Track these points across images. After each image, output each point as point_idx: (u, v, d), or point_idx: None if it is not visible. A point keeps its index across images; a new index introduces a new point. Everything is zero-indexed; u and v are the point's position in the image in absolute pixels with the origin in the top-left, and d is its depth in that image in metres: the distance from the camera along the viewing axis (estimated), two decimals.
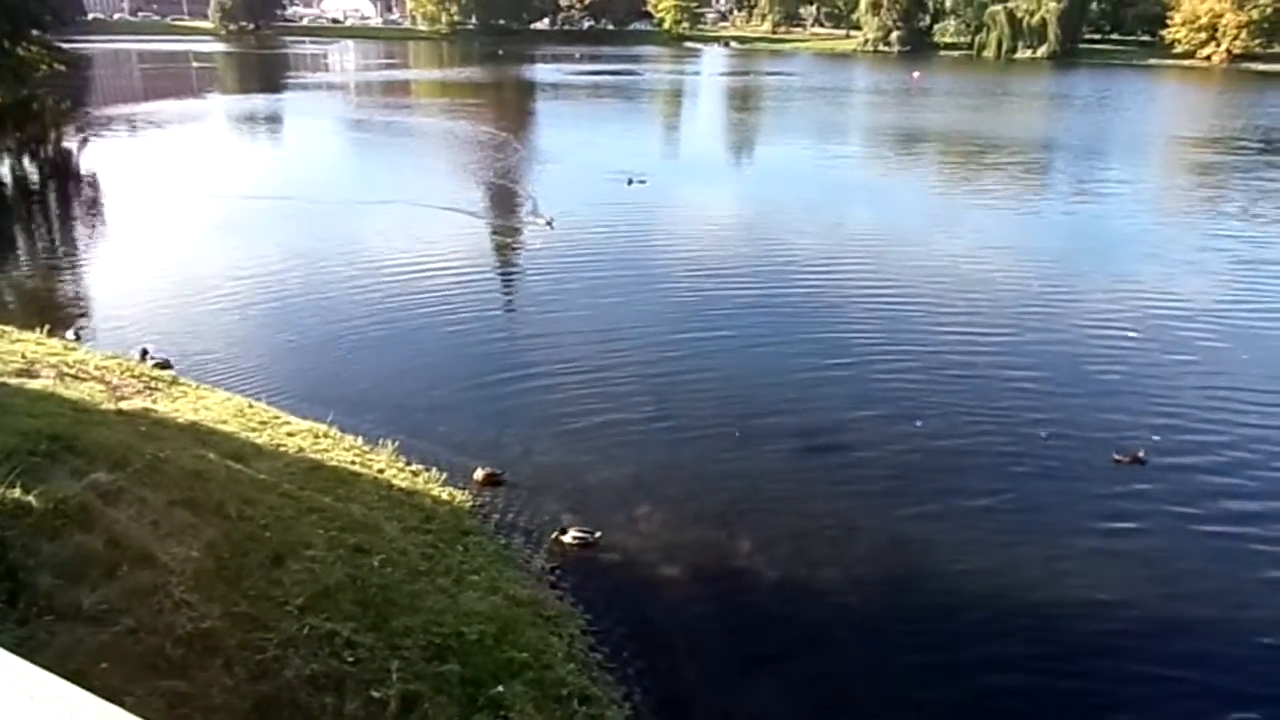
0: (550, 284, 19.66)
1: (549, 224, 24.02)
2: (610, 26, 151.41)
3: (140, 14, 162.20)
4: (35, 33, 38.57)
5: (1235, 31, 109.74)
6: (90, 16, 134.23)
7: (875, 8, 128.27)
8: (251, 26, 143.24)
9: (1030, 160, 40.22)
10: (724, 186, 33.62)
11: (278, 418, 11.84)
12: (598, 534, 9.93)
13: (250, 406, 12.11)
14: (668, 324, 16.99)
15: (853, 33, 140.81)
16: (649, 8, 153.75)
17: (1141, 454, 12.03)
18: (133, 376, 12.43)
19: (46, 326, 14.03)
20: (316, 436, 11.31)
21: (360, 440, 11.44)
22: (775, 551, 10.10)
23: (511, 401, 13.62)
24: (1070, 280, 20.70)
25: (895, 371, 15.03)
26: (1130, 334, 16.81)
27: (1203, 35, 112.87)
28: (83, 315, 17.05)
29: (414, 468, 10.97)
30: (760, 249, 23.03)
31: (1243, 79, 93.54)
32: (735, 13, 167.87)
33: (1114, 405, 13.89)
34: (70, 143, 38.58)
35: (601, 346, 15.74)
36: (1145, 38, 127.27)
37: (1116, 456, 12.03)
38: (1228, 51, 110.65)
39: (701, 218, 27.25)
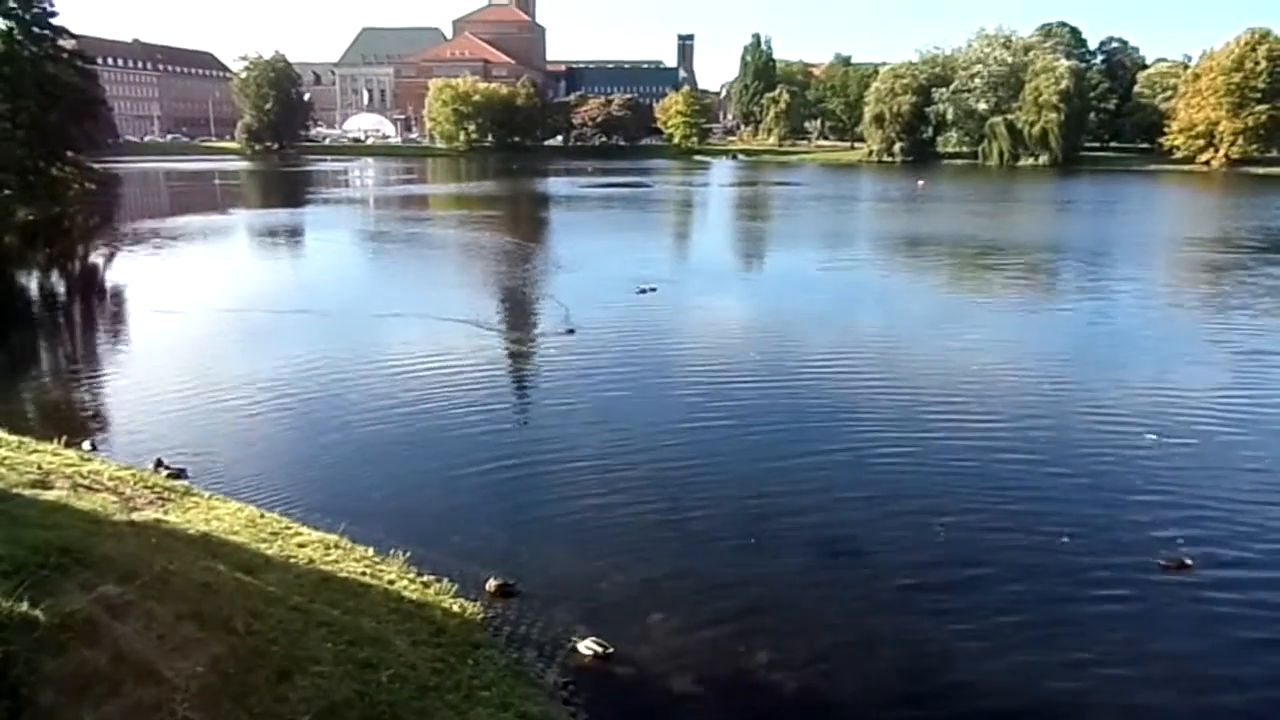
0: (562, 392, 19.74)
1: (569, 332, 24.29)
2: (622, 142, 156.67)
3: (170, 136, 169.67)
4: (69, 154, 40.10)
5: (1232, 138, 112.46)
6: (123, 139, 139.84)
7: (878, 121, 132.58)
8: (275, 146, 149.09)
9: (1039, 263, 40.73)
10: (733, 293, 34.06)
11: (289, 528, 11.75)
12: (610, 649, 9.68)
13: (262, 517, 12.04)
14: (680, 429, 16.94)
15: (857, 144, 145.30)
16: (659, 124, 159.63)
17: (1188, 561, 11.73)
18: (146, 487, 12.42)
19: (64, 437, 14.12)
20: (328, 547, 11.19)
21: (372, 551, 11.30)
22: (792, 661, 9.81)
23: (525, 510, 13.52)
24: (1084, 381, 20.63)
25: (911, 474, 14.87)
26: (1148, 435, 16.62)
27: (1200, 141, 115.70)
28: (100, 426, 17.19)
29: (425, 579, 10.80)
30: (771, 354, 23.14)
31: (1242, 182, 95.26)
32: (742, 127, 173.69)
33: (1135, 507, 13.63)
34: (97, 257, 39.57)
35: (615, 453, 15.68)
36: (1144, 145, 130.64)
37: (1162, 562, 11.75)
38: (1226, 156, 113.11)
39: (711, 323, 27.51)
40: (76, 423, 16.99)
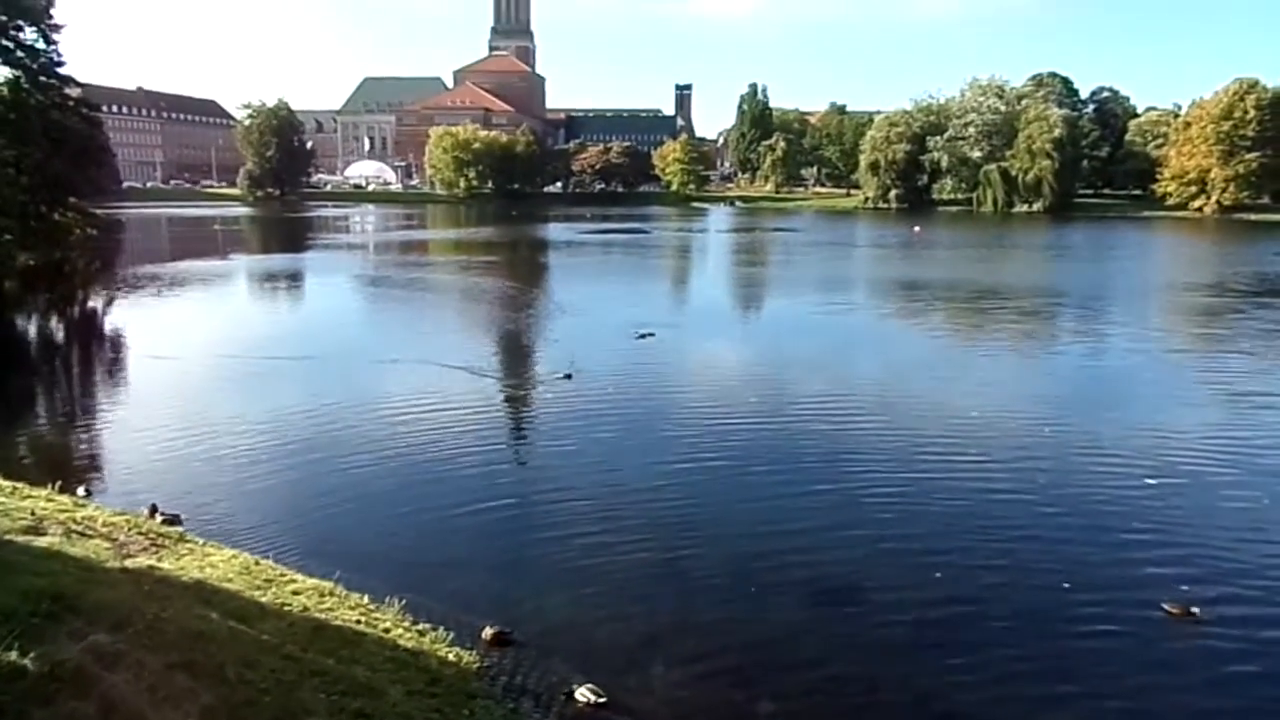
0: (560, 437, 19.67)
1: (567, 377, 24.25)
2: (620, 189, 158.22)
3: (172, 182, 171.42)
4: (72, 200, 40.56)
5: (1224, 185, 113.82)
6: (125, 185, 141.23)
7: (874, 168, 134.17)
8: (277, 192, 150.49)
9: (1035, 308, 40.90)
10: (731, 338, 34.13)
11: (283, 575, 11.63)
12: (605, 698, 9.52)
13: (256, 564, 11.92)
14: (678, 474, 16.86)
15: (853, 191, 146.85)
16: (657, 171, 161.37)
17: (1194, 609, 11.48)
18: (140, 533, 12.32)
19: (58, 482, 14.03)
20: (322, 595, 11.07)
21: (366, 598, 11.17)
22: (792, 709, 9.66)
23: (522, 556, 13.40)
24: (1082, 424, 20.59)
25: (909, 518, 14.77)
26: (1147, 479, 16.56)
27: (1193, 188, 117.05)
28: (95, 471, 17.08)
29: (421, 627, 10.67)
30: (769, 399, 23.11)
31: (1235, 229, 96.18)
32: (740, 174, 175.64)
33: (1136, 552, 13.53)
34: (96, 302, 39.80)
35: (613, 498, 15.60)
36: (1137, 191, 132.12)
37: (1166, 606, 11.58)
38: (1218, 203, 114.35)
39: (709, 369, 27.54)
40: (71, 468, 16.88)
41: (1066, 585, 12.38)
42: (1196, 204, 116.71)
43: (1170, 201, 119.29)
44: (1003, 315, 38.18)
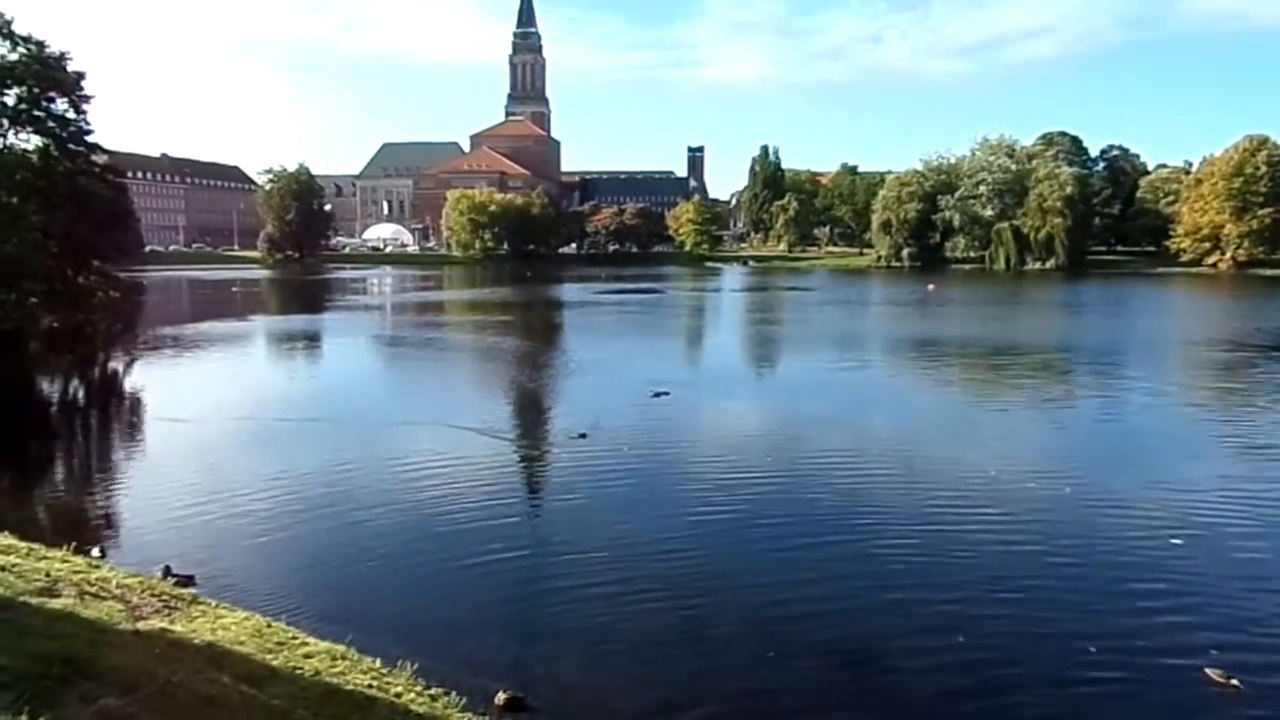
0: (576, 498, 19.57)
1: (582, 436, 24.19)
2: (634, 249, 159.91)
3: (194, 245, 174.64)
4: (96, 263, 41.24)
5: (1238, 240, 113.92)
6: (148, 248, 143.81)
7: (886, 227, 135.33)
8: (296, 255, 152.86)
9: (1053, 364, 40.73)
10: (747, 396, 34.04)
11: (296, 638, 11.51)
12: None
13: (269, 626, 11.81)
14: (694, 535, 16.69)
15: (866, 250, 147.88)
16: (670, 231, 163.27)
17: (1234, 681, 10.95)
18: (153, 595, 12.25)
19: (74, 543, 14.01)
20: (334, 658, 10.94)
21: (379, 662, 11.02)
22: None
23: (537, 618, 13.23)
24: (1102, 482, 20.29)
25: (929, 580, 14.51)
26: (1172, 539, 16.25)
27: (1207, 244, 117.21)
28: (110, 532, 17.09)
29: (433, 692, 10.49)
30: (786, 457, 22.96)
31: (1251, 284, 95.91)
32: (753, 234, 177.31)
33: (1164, 615, 13.18)
34: (116, 364, 40.23)
35: (629, 559, 15.42)
36: (1150, 248, 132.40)
37: (1208, 670, 11.15)
38: (1233, 259, 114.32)
39: (725, 427, 27.43)
40: (87, 529, 16.92)
41: (1092, 649, 12.06)
42: (1211, 260, 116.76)
43: (1185, 258, 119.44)
44: (1020, 371, 38.00)
